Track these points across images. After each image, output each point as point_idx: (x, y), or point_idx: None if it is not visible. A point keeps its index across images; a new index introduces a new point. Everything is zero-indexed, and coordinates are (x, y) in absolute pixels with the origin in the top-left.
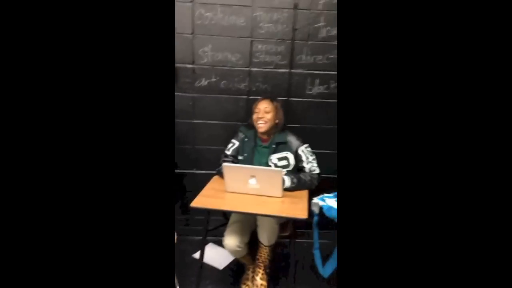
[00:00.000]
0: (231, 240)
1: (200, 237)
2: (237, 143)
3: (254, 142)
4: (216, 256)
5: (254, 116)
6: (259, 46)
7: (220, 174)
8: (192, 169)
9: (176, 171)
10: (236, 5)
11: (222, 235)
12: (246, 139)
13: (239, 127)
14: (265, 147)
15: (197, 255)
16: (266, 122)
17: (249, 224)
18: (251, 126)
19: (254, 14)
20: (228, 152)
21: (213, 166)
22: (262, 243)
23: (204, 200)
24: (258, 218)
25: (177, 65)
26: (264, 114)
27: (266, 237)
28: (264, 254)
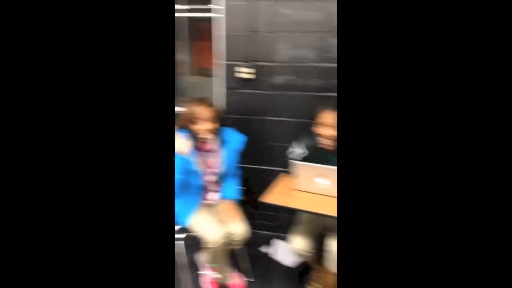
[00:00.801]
0: (298, 244)
1: (269, 232)
2: (299, 151)
3: (319, 154)
4: (285, 253)
5: (318, 131)
6: (334, 41)
7: (292, 172)
8: (264, 165)
9: (249, 166)
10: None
11: (290, 232)
12: (310, 152)
13: (302, 138)
14: (333, 157)
15: (265, 249)
16: (333, 141)
17: (317, 225)
18: (315, 135)
19: (329, 7)
20: (291, 156)
21: (285, 164)
22: (331, 270)
23: (274, 196)
24: (329, 242)
25: (255, 63)
26: (331, 131)
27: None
28: (330, 280)
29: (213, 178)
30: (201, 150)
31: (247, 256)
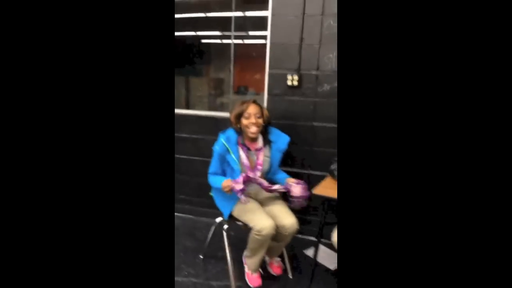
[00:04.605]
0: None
1: (311, 237)
2: None
3: None
4: (327, 256)
5: None
6: None
7: (332, 174)
8: (307, 169)
9: (291, 170)
10: None
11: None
12: None
13: None
14: None
15: (308, 251)
16: None
17: None
18: None
19: None
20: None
21: (326, 168)
22: None
23: (324, 190)
24: None
25: (302, 72)
26: None
27: None
28: None
29: (257, 175)
30: (248, 148)
31: (287, 255)
